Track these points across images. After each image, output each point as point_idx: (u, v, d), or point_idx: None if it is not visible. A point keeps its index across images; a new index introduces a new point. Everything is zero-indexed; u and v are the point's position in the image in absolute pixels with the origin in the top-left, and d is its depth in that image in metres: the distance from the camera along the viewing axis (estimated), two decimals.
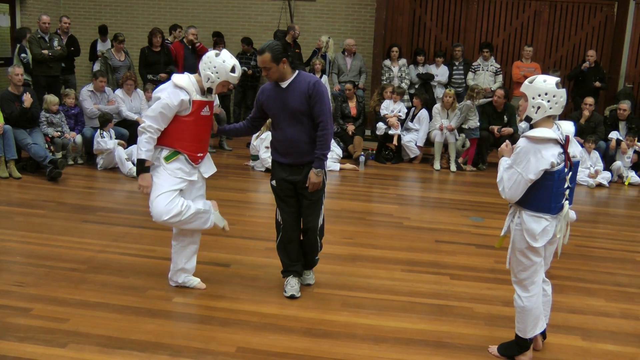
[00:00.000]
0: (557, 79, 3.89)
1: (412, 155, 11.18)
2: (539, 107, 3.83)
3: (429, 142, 11.15)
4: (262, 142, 9.83)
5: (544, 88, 3.82)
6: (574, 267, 6.17)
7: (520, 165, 3.80)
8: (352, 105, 11.56)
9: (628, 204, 9.57)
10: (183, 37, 12.11)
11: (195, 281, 5.17)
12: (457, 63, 12.57)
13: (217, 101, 5.08)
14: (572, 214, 4.04)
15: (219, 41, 12.52)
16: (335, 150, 10.36)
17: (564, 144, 3.87)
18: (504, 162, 3.98)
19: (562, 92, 3.85)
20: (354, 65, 12.46)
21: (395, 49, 12.20)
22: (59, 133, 9.47)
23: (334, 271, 5.63)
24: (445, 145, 10.92)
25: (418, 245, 6.60)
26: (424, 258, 6.18)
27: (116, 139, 9.60)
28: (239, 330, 4.51)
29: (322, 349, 4.26)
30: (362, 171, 10.34)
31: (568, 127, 3.96)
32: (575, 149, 3.98)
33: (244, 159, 10.49)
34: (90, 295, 4.93)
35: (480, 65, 12.33)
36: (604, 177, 10.19)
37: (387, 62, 12.25)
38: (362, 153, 10.74)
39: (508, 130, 10.73)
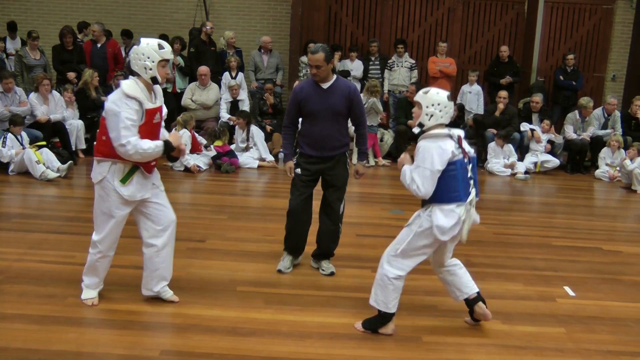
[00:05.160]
0: (448, 92, 4.31)
1: None
2: (432, 115, 4.23)
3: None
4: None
5: (437, 99, 4.22)
6: (492, 254, 6.38)
7: (426, 162, 4.14)
8: (270, 102, 11.56)
9: (542, 192, 9.97)
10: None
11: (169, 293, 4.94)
12: (373, 58, 12.74)
13: (165, 109, 4.87)
14: (477, 217, 4.36)
15: (127, 42, 12.27)
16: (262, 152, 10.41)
17: (458, 140, 4.22)
18: (407, 169, 4.30)
19: (452, 104, 4.29)
20: (271, 62, 12.45)
21: (311, 45, 12.23)
22: None
23: (257, 269, 5.62)
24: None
25: (340, 239, 6.63)
26: (345, 252, 6.22)
27: (30, 142, 9.27)
28: (162, 333, 4.47)
29: (247, 348, 4.26)
30: (282, 168, 10.33)
31: (458, 131, 4.33)
32: (468, 148, 4.32)
33: (162, 159, 10.29)
34: (7, 306, 4.72)
35: (395, 61, 12.54)
36: (519, 167, 10.64)
37: (304, 58, 12.28)
38: (281, 150, 10.74)
39: None
